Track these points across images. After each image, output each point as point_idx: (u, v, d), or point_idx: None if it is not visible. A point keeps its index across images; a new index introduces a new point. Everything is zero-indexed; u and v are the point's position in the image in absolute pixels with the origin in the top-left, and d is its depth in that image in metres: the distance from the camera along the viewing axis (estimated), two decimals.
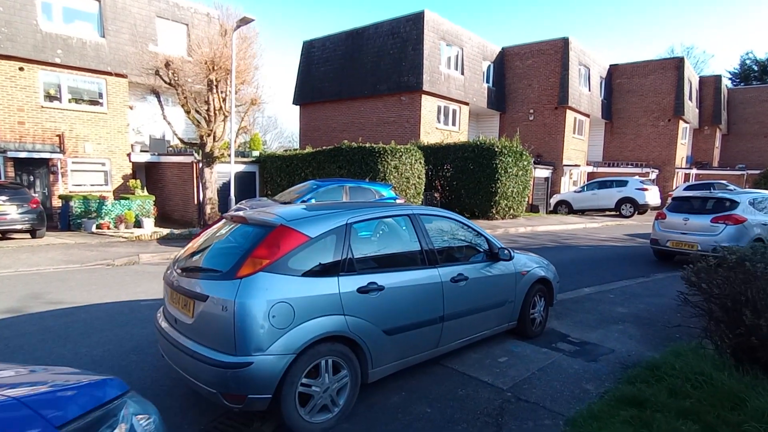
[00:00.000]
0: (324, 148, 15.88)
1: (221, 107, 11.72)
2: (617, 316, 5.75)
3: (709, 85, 30.73)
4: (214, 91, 11.52)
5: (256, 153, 19.33)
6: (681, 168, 27.24)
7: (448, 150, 16.83)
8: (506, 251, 4.27)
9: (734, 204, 8.22)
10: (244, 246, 3.00)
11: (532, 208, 20.51)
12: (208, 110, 11.65)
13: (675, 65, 25.92)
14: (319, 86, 24.52)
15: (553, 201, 21.15)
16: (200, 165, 12.25)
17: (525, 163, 16.49)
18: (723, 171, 28.61)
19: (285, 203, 10.40)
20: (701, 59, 48.05)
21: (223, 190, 15.63)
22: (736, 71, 43.71)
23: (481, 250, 4.32)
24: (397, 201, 11.78)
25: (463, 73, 21.64)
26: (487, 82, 23.64)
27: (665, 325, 5.41)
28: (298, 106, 26.71)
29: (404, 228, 3.73)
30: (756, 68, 42.94)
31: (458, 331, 3.90)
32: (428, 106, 20.11)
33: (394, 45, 20.78)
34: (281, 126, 69.44)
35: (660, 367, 3.75)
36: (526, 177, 16.71)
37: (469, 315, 3.94)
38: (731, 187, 21.14)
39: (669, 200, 22.59)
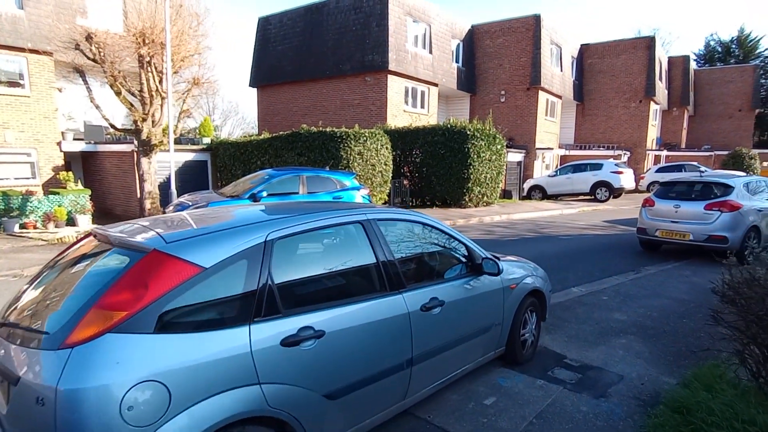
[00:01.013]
0: (281, 133, 14.62)
1: (157, 88, 10.28)
2: (617, 325, 4.97)
3: (678, 65, 30.90)
4: (147, 68, 10.05)
5: (207, 140, 17.82)
6: (652, 150, 27.30)
7: (417, 134, 15.86)
8: (492, 262, 3.32)
9: (729, 189, 7.63)
10: (94, 286, 1.92)
11: (505, 194, 19.89)
12: (141, 91, 10.18)
13: (646, 45, 25.72)
14: (277, 66, 22.97)
15: (526, 186, 20.60)
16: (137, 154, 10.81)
17: (498, 146, 15.73)
18: (691, 152, 28.94)
19: (233, 197, 9.21)
20: (667, 40, 48.79)
21: (168, 183, 14.21)
22: (702, 52, 44.52)
23: (460, 260, 3.38)
24: (361, 191, 10.76)
25: (431, 52, 20.61)
26: (457, 62, 22.70)
27: (673, 337, 4.67)
28: (255, 89, 25.10)
29: (356, 240, 2.71)
30: (720, 49, 43.82)
31: (432, 374, 2.96)
32: (395, 87, 19.02)
33: (356, 21, 19.48)
34: (243, 112, 66.73)
35: (692, 409, 2.93)
36: (500, 161, 15.97)
37: (446, 350, 3.00)
38: (702, 168, 21.17)
39: (655, 185, 22.57)
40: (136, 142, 11.95)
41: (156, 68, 10.54)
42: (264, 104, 24.39)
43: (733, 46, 43.07)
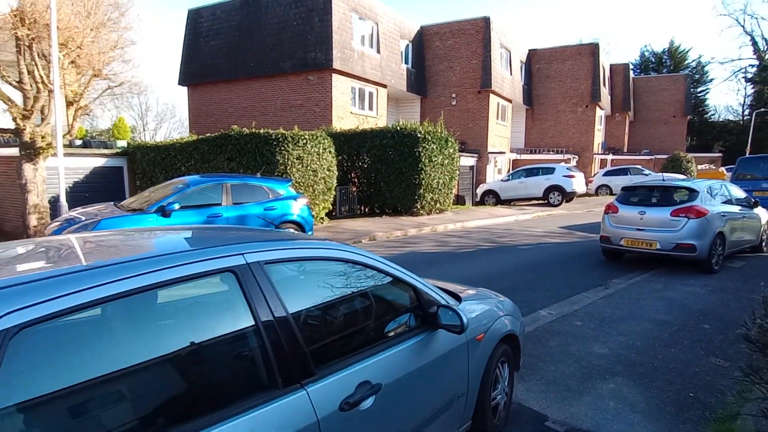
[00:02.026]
0: (209, 135, 13.10)
1: (44, 80, 8.58)
2: (600, 363, 4.13)
3: (619, 72, 32.09)
4: (27, 54, 8.35)
5: (122, 143, 15.89)
6: (598, 154, 27.98)
7: (365, 137, 14.87)
8: (452, 313, 2.27)
9: (694, 193, 7.18)
10: None
11: (459, 200, 19.32)
12: (21, 82, 8.44)
13: (591, 51, 26.33)
14: (209, 63, 21.24)
15: (479, 191, 20.17)
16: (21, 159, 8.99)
17: (451, 150, 15.04)
18: (634, 156, 29.97)
19: (135, 211, 7.72)
20: (606, 50, 51.09)
21: (72, 192, 12.35)
22: (638, 62, 46.98)
23: (407, 309, 2.34)
24: (299, 201, 9.57)
25: (379, 52, 19.76)
26: (406, 63, 22.02)
27: (667, 376, 3.88)
28: (185, 88, 23.17)
29: (220, 305, 1.59)
30: (653, 60, 46.47)
31: None
32: (340, 87, 17.95)
33: (297, 15, 18.27)
34: (181, 115, 63.21)
35: None
36: (453, 166, 15.29)
37: None
38: (646, 171, 21.71)
39: (603, 189, 22.80)
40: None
41: (44, 56, 8.85)
42: (196, 104, 22.52)
43: (665, 57, 45.85)
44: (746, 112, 42.72)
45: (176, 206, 7.85)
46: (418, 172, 14.00)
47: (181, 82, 22.92)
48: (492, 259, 8.80)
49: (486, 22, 21.74)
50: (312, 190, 12.32)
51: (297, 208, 9.44)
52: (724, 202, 7.53)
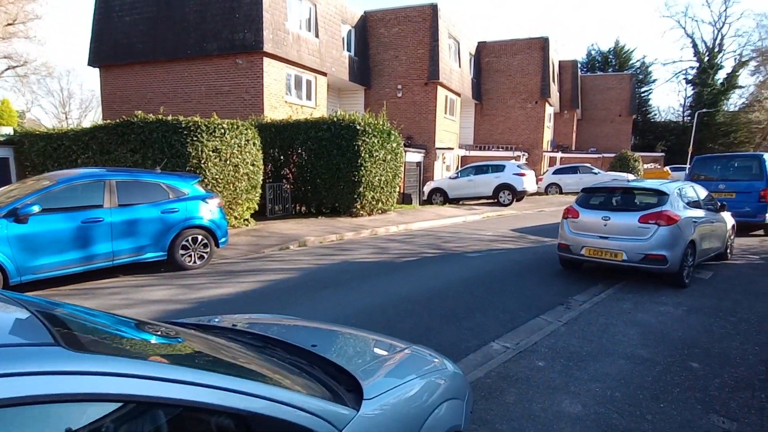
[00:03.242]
0: (108, 122, 11.17)
1: None
2: (574, 430, 3.05)
3: (567, 69, 32.42)
4: None
5: (7, 129, 13.62)
6: (547, 151, 28.00)
7: (298, 128, 13.41)
8: None
9: (663, 196, 6.39)
10: None
11: (404, 198, 18.27)
12: None
13: (540, 45, 26.18)
14: (124, 42, 18.86)
15: (426, 189, 19.21)
16: None
17: (394, 144, 13.90)
18: (582, 154, 30.36)
19: None
20: (554, 48, 52.21)
21: None
22: (584, 60, 48.27)
23: None
24: (210, 202, 8.04)
25: (317, 36, 18.28)
26: (349, 50, 20.67)
27: None
28: (97, 69, 20.60)
29: None
30: (600, 59, 47.91)
31: None
32: (273, 73, 16.33)
33: None
34: None
35: None
36: (397, 162, 14.16)
37: None
38: (596, 170, 21.71)
39: (553, 187, 22.45)
40: None
41: None
42: (109, 88, 20.04)
43: (611, 56, 47.38)
44: (687, 113, 44.99)
45: (35, 209, 6.15)
46: (358, 168, 12.74)
47: (91, 63, 20.35)
48: (437, 269, 7.69)
49: (434, 9, 20.80)
50: (233, 188, 10.74)
51: (206, 210, 7.91)
52: (692, 206, 6.83)
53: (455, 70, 23.03)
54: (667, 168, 28.35)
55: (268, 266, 7.96)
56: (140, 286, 6.74)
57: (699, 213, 6.78)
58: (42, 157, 12.24)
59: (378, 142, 13.19)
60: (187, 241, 7.69)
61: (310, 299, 5.90)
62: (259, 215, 13.17)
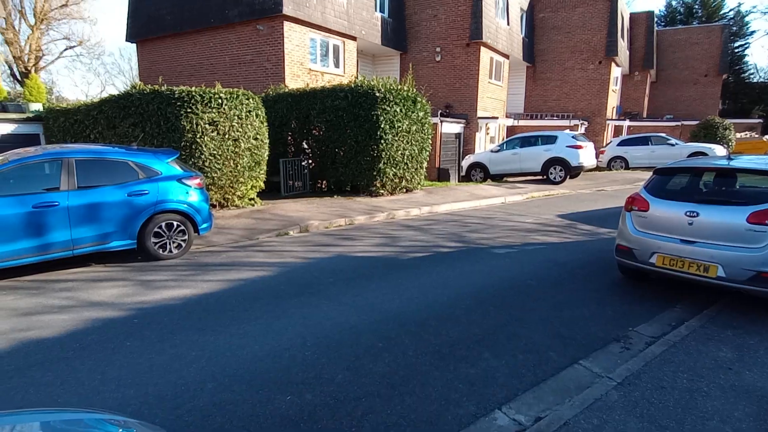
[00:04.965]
0: (112, 95, 10.68)
1: None
2: None
3: (641, 23, 28.54)
4: None
5: (36, 106, 13.68)
6: (612, 119, 24.97)
7: (315, 97, 12.32)
8: None
9: None
10: None
11: (440, 174, 16.80)
12: None
13: None
14: (155, 15, 18.58)
15: (465, 164, 17.50)
16: None
17: (421, 113, 12.43)
18: (655, 122, 26.82)
19: None
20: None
21: None
22: (663, 13, 42.80)
23: None
24: (187, 181, 7.22)
25: None
26: (381, 11, 19.04)
27: None
28: (134, 44, 20.66)
29: None
30: (682, 10, 42.22)
31: None
32: (295, 38, 15.24)
33: None
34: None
35: None
36: (424, 134, 12.71)
37: None
38: (672, 140, 18.89)
39: (617, 161, 19.79)
40: None
41: None
42: (145, 63, 20.02)
43: (696, 5, 41.53)
44: None
45: None
46: (377, 141, 11.48)
47: (129, 38, 20.44)
48: (448, 272, 6.25)
49: None
50: (233, 164, 9.94)
51: (182, 191, 7.09)
52: None
53: (502, 29, 20.69)
54: (766, 137, 24.20)
55: (250, 258, 7.05)
56: (98, 280, 6.07)
57: None
58: (62, 133, 12.24)
59: (401, 110, 11.81)
60: (161, 227, 6.92)
61: (269, 313, 4.81)
62: (274, 193, 12.42)
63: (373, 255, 7.21)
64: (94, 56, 38.86)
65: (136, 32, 19.72)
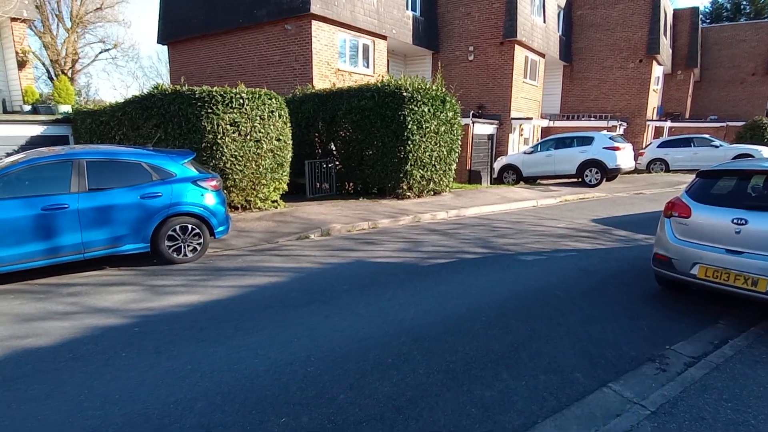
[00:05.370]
0: (135, 96, 10.52)
1: None
2: None
3: (685, 19, 26.95)
4: None
5: (65, 108, 13.75)
6: (652, 120, 23.59)
7: (341, 97, 11.87)
8: None
9: None
10: None
11: (472, 176, 16.10)
12: None
13: None
14: (186, 17, 18.62)
15: (497, 166, 16.72)
16: None
17: (450, 114, 11.80)
18: (698, 123, 25.22)
19: None
20: None
21: None
22: (708, 10, 40.57)
23: None
24: (204, 183, 6.86)
25: None
26: (412, 9, 18.48)
27: None
28: (165, 46, 20.81)
29: None
30: (729, 6, 39.90)
31: None
32: (324, 38, 14.87)
33: None
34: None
35: None
36: (453, 134, 12.07)
37: None
38: (716, 142, 17.60)
39: (656, 163, 18.67)
40: None
41: None
42: (176, 65, 20.12)
43: (744, 2, 39.15)
44: None
45: None
46: (404, 142, 10.93)
47: (160, 40, 20.60)
48: (470, 280, 5.72)
49: None
50: (256, 166, 9.58)
51: (197, 194, 6.73)
52: None
53: (538, 26, 19.78)
54: None
55: (265, 263, 6.63)
56: (108, 284, 5.77)
57: None
58: (89, 134, 12.20)
59: (430, 111, 11.22)
60: (175, 231, 6.59)
61: (275, 323, 4.39)
62: (300, 195, 12.05)
63: (394, 261, 6.67)
64: (129, 59, 39.78)
65: (167, 34, 19.84)
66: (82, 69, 30.13)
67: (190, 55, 19.22)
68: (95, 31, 31.79)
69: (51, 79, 26.62)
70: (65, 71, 27.97)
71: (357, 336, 4.07)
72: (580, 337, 4.07)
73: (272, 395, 3.15)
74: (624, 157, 14.74)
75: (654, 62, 22.25)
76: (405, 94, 10.79)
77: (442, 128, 11.59)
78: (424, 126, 11.10)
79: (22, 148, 12.15)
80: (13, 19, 13.53)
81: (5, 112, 13.23)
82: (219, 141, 9.08)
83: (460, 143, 12.43)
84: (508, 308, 4.74)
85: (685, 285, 4.78)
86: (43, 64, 27.69)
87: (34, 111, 13.81)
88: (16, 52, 13.96)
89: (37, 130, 12.90)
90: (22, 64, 14.14)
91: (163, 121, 9.59)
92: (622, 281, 5.62)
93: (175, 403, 3.06)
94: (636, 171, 18.49)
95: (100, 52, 29.90)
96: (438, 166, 11.86)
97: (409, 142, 10.95)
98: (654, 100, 24.14)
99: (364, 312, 4.64)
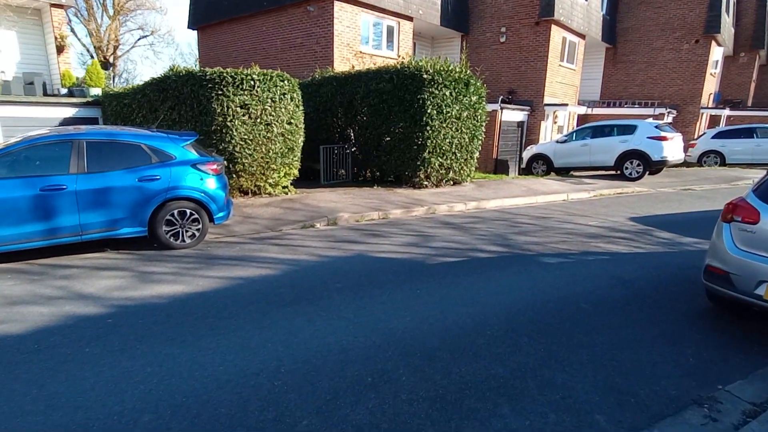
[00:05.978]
0: (153, 78, 10.67)
1: None
2: None
3: None
4: None
5: (95, 91, 14.20)
6: (708, 108, 21.98)
7: (359, 80, 11.63)
8: None
9: None
10: None
11: (498, 166, 15.52)
12: None
13: None
14: (213, 1, 18.85)
15: (526, 155, 15.99)
16: None
17: (474, 98, 11.32)
18: (764, 112, 23.29)
19: None
20: None
21: None
22: None
23: None
24: (204, 166, 6.83)
25: None
26: None
27: None
28: (195, 31, 21.19)
29: None
30: None
31: None
32: (346, 19, 14.62)
33: None
34: None
35: None
36: (476, 120, 11.59)
37: None
38: None
39: (710, 155, 17.31)
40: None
41: None
42: (204, 49, 20.52)
43: None
44: None
45: None
46: (422, 127, 10.58)
47: (190, 26, 21.04)
48: (480, 284, 5.27)
49: None
50: (265, 150, 9.52)
51: (197, 177, 6.72)
52: None
53: (579, 4, 18.70)
54: None
55: (262, 253, 6.52)
56: (100, 268, 5.83)
57: None
58: (114, 116, 12.56)
59: (452, 94, 10.80)
60: (173, 215, 6.59)
61: (253, 323, 4.17)
62: (315, 181, 11.96)
63: (398, 257, 6.41)
64: (165, 44, 41.09)
65: (196, 19, 20.21)
66: (122, 55, 31.27)
67: (217, 40, 19.48)
68: (135, 18, 32.86)
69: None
70: (107, 57, 29.13)
71: (339, 346, 3.75)
72: (606, 365, 3.48)
73: (227, 413, 2.90)
74: (671, 148, 13.70)
75: (713, 43, 20.63)
76: (425, 76, 10.41)
77: (465, 113, 11.14)
78: (444, 111, 10.70)
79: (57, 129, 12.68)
80: (53, 5, 14.06)
81: (45, 94, 13.80)
82: (228, 124, 9.07)
83: (483, 130, 11.93)
84: (521, 322, 4.23)
85: (745, 306, 4.04)
86: (88, 50, 28.94)
87: (70, 94, 14.40)
88: (55, 37, 14.54)
89: (70, 112, 13.43)
90: (60, 49, 14.71)
91: (177, 103, 9.68)
92: (664, 295, 4.93)
93: (120, 414, 2.88)
94: (685, 164, 17.29)
95: (139, 39, 30.88)
96: (459, 154, 11.44)
97: (428, 128, 10.59)
98: (711, 85, 22.48)
99: (353, 317, 4.33)
